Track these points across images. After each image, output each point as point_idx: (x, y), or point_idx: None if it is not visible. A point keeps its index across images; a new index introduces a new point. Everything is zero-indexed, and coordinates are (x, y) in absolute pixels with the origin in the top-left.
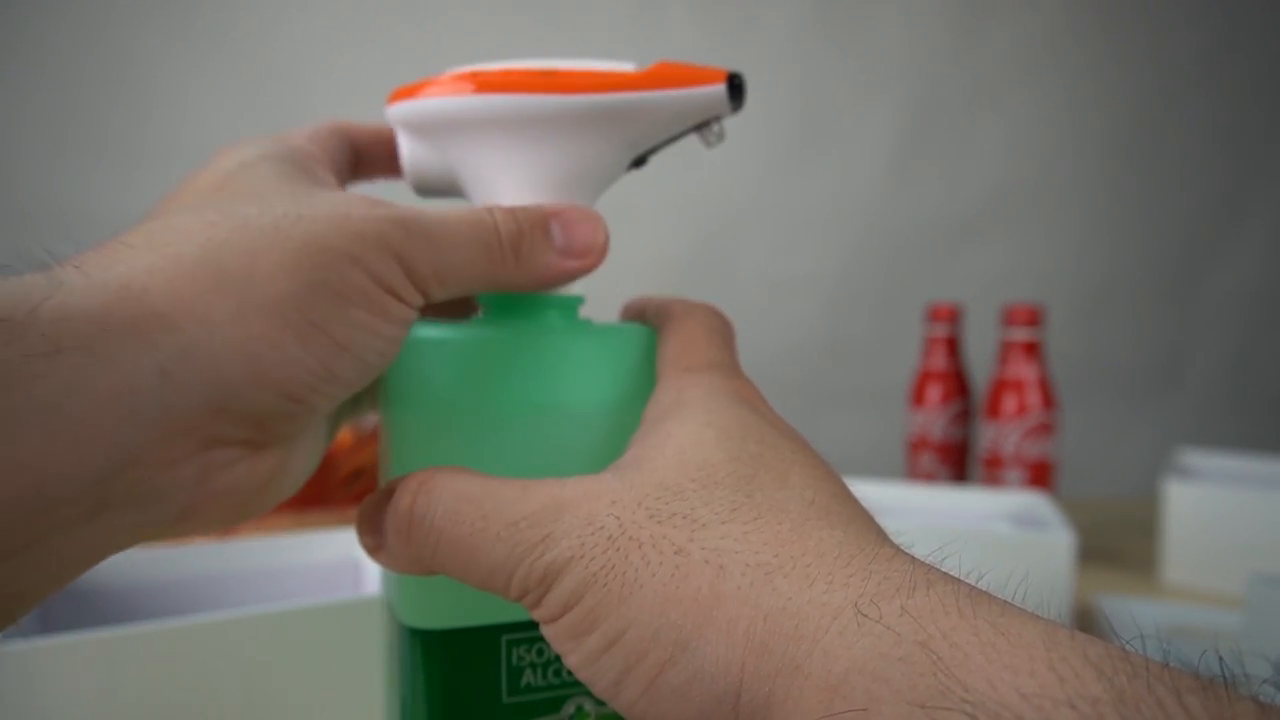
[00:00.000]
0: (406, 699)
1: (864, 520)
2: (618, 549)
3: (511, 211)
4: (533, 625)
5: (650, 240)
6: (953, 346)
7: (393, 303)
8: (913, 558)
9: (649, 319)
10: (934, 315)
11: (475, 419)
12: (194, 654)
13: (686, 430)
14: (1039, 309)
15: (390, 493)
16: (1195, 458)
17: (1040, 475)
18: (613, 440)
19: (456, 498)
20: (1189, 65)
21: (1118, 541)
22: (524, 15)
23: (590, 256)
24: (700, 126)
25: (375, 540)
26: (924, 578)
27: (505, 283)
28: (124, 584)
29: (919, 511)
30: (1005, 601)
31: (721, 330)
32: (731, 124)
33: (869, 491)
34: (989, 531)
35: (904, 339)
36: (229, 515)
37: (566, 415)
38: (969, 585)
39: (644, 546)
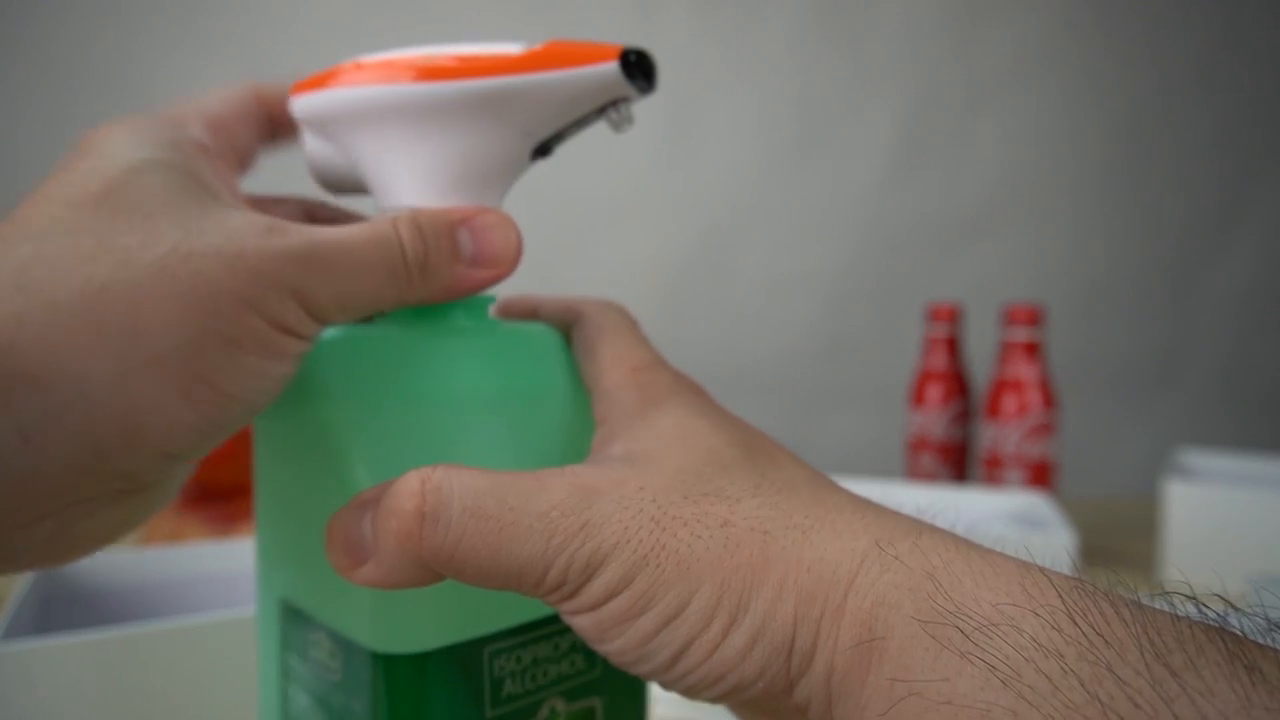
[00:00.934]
0: None
1: (848, 489)
2: (663, 529)
3: (416, 223)
4: (513, 633)
5: (650, 240)
6: (953, 346)
7: (288, 341)
8: (909, 515)
9: (545, 318)
10: (934, 315)
11: (389, 423)
12: (193, 654)
13: (678, 421)
14: (1039, 309)
15: (366, 503)
16: (1195, 457)
17: (1040, 475)
18: (529, 437)
19: (474, 493)
20: (1187, 66)
21: (1118, 541)
22: (524, 15)
23: (502, 265)
24: (605, 109)
25: (354, 557)
26: (927, 525)
27: (412, 301)
28: (124, 584)
29: (919, 512)
30: (989, 547)
31: (638, 327)
32: (732, 123)
33: (869, 491)
34: (989, 531)
35: (904, 339)
36: (83, 553)
37: (481, 414)
38: (959, 535)
39: (690, 524)
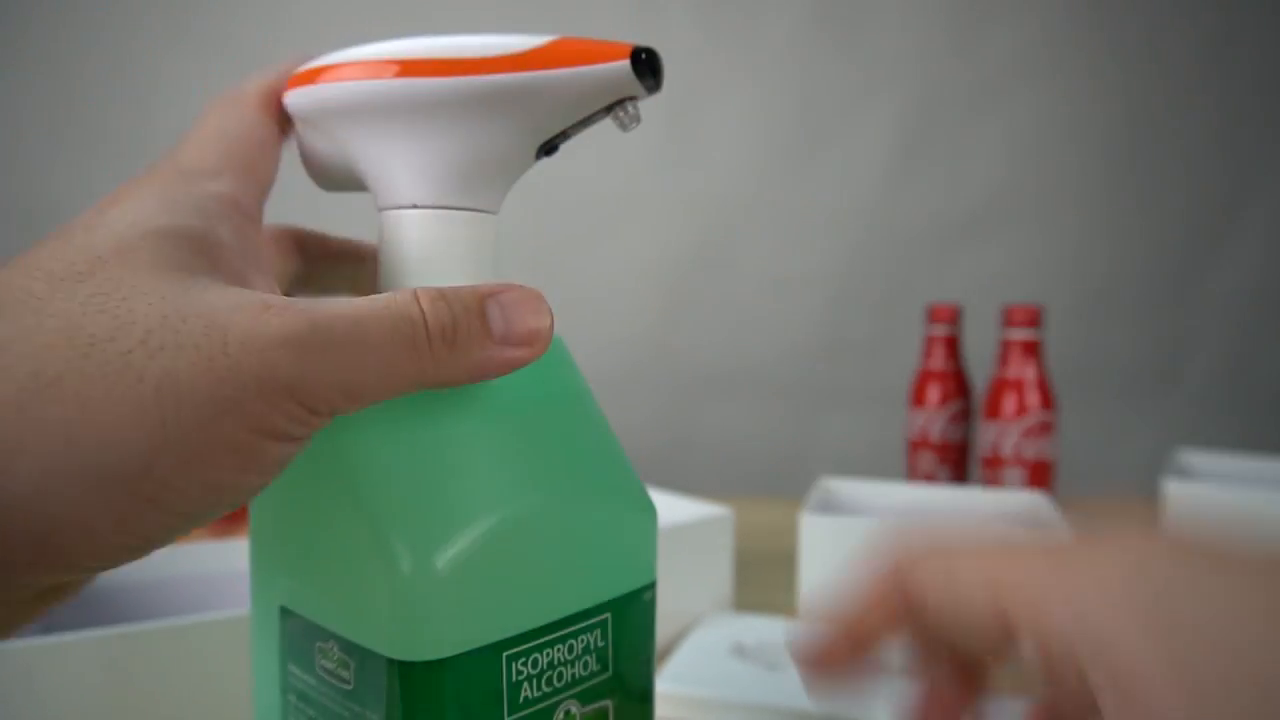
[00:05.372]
0: None
1: None
2: None
3: (442, 297)
4: (531, 635)
5: (650, 240)
6: (953, 346)
7: (274, 446)
8: None
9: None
10: (934, 315)
11: (391, 428)
12: (194, 654)
13: None
14: (1039, 309)
15: None
16: (1195, 458)
17: (1040, 475)
18: (532, 441)
19: None
20: (1188, 65)
21: None
22: (526, 15)
23: (536, 344)
24: (612, 108)
25: None
26: None
27: (434, 382)
28: (124, 583)
29: (919, 512)
30: None
31: None
32: (733, 123)
33: (869, 491)
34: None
35: (904, 339)
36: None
37: (483, 418)
38: None
39: None
